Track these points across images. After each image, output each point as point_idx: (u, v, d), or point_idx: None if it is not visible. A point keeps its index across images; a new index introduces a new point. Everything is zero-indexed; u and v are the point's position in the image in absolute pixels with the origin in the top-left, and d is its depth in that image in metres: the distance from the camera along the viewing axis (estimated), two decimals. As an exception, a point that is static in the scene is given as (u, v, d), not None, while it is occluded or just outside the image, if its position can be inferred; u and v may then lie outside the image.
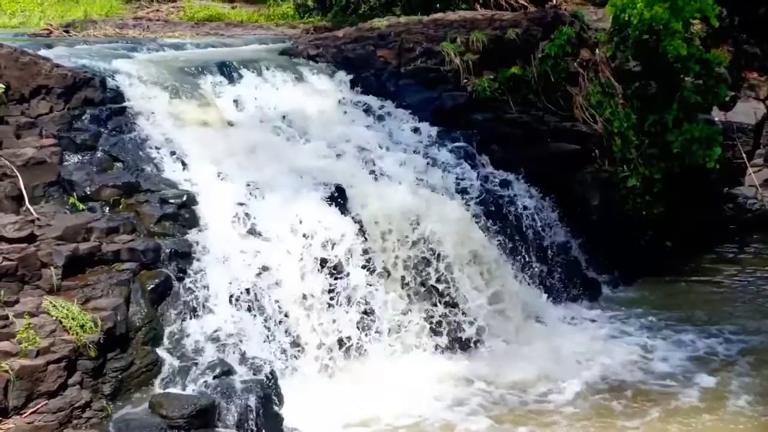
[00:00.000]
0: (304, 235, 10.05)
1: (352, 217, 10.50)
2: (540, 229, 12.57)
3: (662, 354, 10.87)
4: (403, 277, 10.59)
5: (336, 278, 10.03)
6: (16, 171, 9.18)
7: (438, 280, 10.69)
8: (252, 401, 8.29)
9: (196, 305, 9.09)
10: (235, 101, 11.97)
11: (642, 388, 10.00)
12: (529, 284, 11.95)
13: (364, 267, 10.22)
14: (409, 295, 10.56)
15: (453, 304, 10.72)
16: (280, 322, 9.55)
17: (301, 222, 10.12)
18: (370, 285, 10.20)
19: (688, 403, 9.65)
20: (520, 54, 13.99)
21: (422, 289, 10.67)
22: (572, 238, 12.97)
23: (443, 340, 10.62)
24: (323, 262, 10.01)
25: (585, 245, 13.10)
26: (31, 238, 8.44)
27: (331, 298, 9.96)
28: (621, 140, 13.70)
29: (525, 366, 10.37)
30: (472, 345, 10.71)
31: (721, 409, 9.48)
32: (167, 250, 9.22)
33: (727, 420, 9.25)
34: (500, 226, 11.92)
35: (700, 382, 10.10)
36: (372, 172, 11.44)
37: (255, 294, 9.48)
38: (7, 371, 7.12)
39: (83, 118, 10.46)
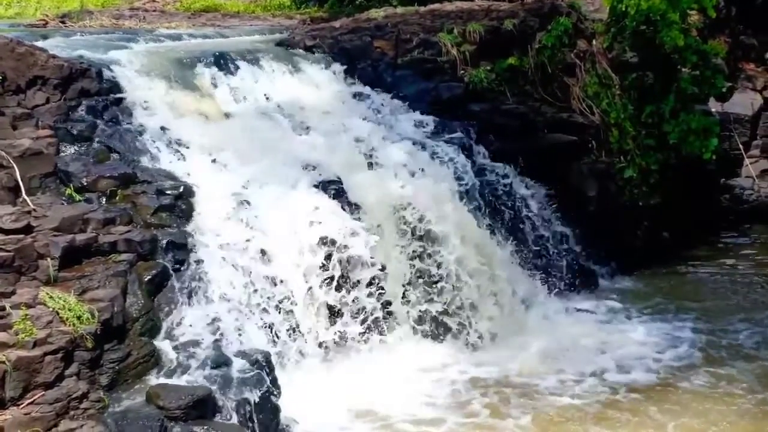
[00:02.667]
0: (301, 226, 10.05)
1: (349, 207, 10.51)
2: (537, 220, 12.58)
3: (660, 345, 10.88)
4: (400, 267, 10.59)
5: (333, 268, 10.03)
6: (12, 162, 9.15)
7: (436, 271, 10.70)
8: (249, 392, 8.30)
9: (193, 296, 9.09)
10: (232, 92, 11.95)
11: (638, 379, 10.00)
12: (526, 275, 11.96)
13: (361, 257, 10.21)
14: (407, 285, 10.57)
15: (451, 295, 10.74)
16: (277, 312, 9.55)
17: (298, 212, 10.12)
18: (368, 275, 10.20)
19: (684, 393, 9.65)
20: (517, 45, 13.98)
21: (420, 280, 10.68)
22: (569, 229, 12.97)
23: (442, 330, 10.66)
24: (320, 252, 10.00)
25: (582, 236, 13.10)
26: (27, 229, 8.41)
27: (329, 289, 9.97)
28: (618, 131, 13.71)
29: (524, 357, 10.40)
30: (471, 336, 10.73)
31: (717, 399, 9.48)
32: (164, 241, 9.20)
33: (732, 411, 9.23)
34: (497, 217, 11.93)
35: (696, 374, 10.09)
36: (369, 162, 11.44)
37: (252, 285, 9.49)
38: (3, 362, 7.10)
39: (80, 108, 10.42)
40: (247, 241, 9.74)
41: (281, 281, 9.69)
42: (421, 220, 10.81)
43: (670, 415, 9.15)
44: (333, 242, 10.07)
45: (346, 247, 10.12)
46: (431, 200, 11.07)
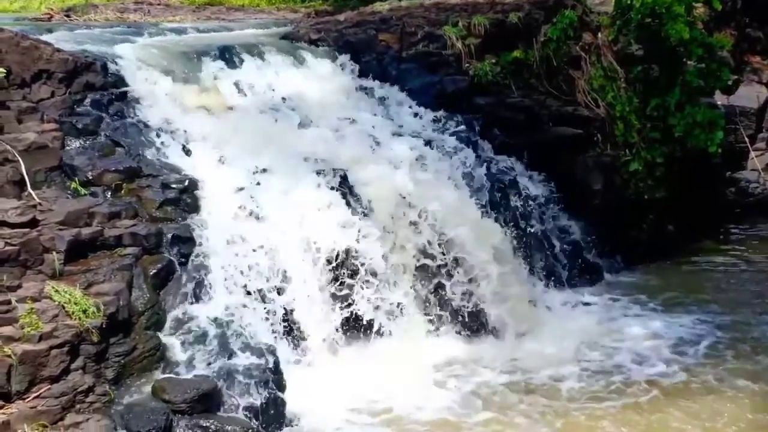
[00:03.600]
0: (306, 219, 10.05)
1: (355, 201, 10.50)
2: (542, 213, 12.56)
3: (665, 338, 10.80)
4: (405, 261, 10.58)
5: (338, 262, 10.03)
6: (17, 156, 9.15)
7: (441, 264, 10.70)
8: (254, 386, 8.33)
9: (198, 290, 9.09)
10: (237, 86, 11.95)
11: (646, 373, 9.93)
12: (531, 268, 11.94)
13: (366, 250, 10.21)
14: (412, 279, 10.56)
15: (457, 289, 10.73)
16: (282, 307, 9.56)
17: (303, 206, 10.12)
18: (373, 269, 10.19)
19: (688, 387, 9.59)
20: (522, 38, 13.94)
21: (425, 274, 10.67)
22: (574, 223, 12.95)
23: (448, 325, 10.65)
24: (325, 246, 10.00)
25: (587, 229, 13.07)
26: (33, 223, 8.42)
27: (334, 283, 9.97)
28: (623, 124, 13.67)
29: (528, 351, 10.38)
30: (476, 329, 10.72)
31: (720, 393, 9.42)
32: (169, 235, 9.20)
33: (732, 405, 9.16)
34: (502, 211, 11.91)
35: (701, 368, 10.02)
36: (374, 155, 11.42)
37: (257, 279, 9.49)
38: (9, 356, 7.12)
39: (85, 102, 10.42)
40: (252, 234, 9.74)
41: (287, 275, 9.69)
42: (425, 213, 10.79)
43: (690, 414, 8.98)
44: (338, 236, 10.08)
45: (350, 241, 10.14)
46: (436, 193, 11.07)
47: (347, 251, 10.09)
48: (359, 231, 10.18)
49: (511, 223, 11.95)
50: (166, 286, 8.98)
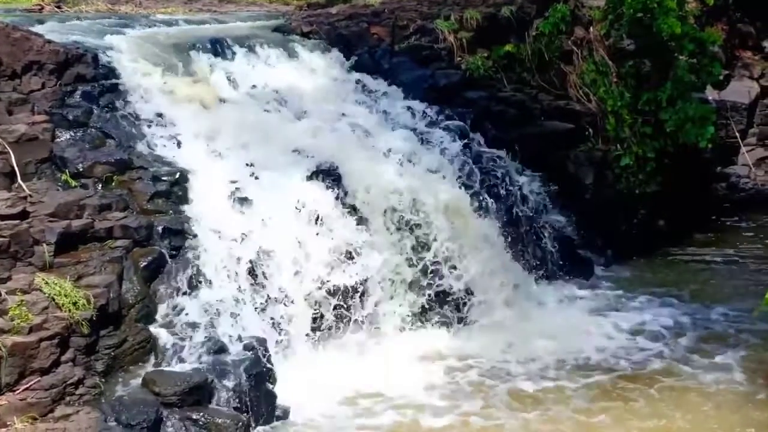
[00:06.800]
0: (297, 212, 10.06)
1: (346, 195, 10.50)
2: (533, 207, 12.57)
3: (655, 333, 10.83)
4: (396, 254, 10.59)
5: (330, 255, 10.03)
6: (8, 147, 9.13)
7: (432, 257, 10.70)
8: (245, 378, 8.32)
9: (189, 282, 9.08)
10: (229, 78, 11.92)
11: (635, 368, 9.95)
12: (522, 262, 11.95)
13: (357, 243, 10.22)
14: (402, 272, 10.57)
15: (447, 281, 10.74)
16: (273, 299, 9.55)
17: (294, 199, 10.12)
18: (364, 262, 10.21)
19: (682, 382, 9.60)
20: (514, 32, 13.99)
21: (416, 266, 10.67)
22: (565, 217, 12.97)
23: (437, 317, 10.67)
24: (316, 239, 10.01)
25: (578, 224, 13.09)
26: (23, 215, 8.41)
27: (326, 275, 9.96)
28: (615, 119, 13.68)
29: (519, 344, 10.38)
30: (466, 322, 10.75)
31: (715, 388, 9.43)
32: (160, 228, 9.21)
33: (720, 399, 9.19)
34: (493, 205, 11.90)
35: (694, 362, 10.04)
36: (365, 149, 11.41)
37: (248, 271, 9.49)
38: (-1, 348, 7.13)
39: (75, 94, 10.39)
40: (243, 227, 9.73)
41: (277, 268, 9.68)
42: (416, 206, 10.81)
43: (682, 408, 8.99)
44: (329, 230, 10.10)
45: (342, 234, 10.17)
46: (427, 187, 11.07)
47: (339, 243, 10.10)
48: (350, 224, 10.22)
49: (503, 217, 11.94)
50: (157, 279, 8.98)
